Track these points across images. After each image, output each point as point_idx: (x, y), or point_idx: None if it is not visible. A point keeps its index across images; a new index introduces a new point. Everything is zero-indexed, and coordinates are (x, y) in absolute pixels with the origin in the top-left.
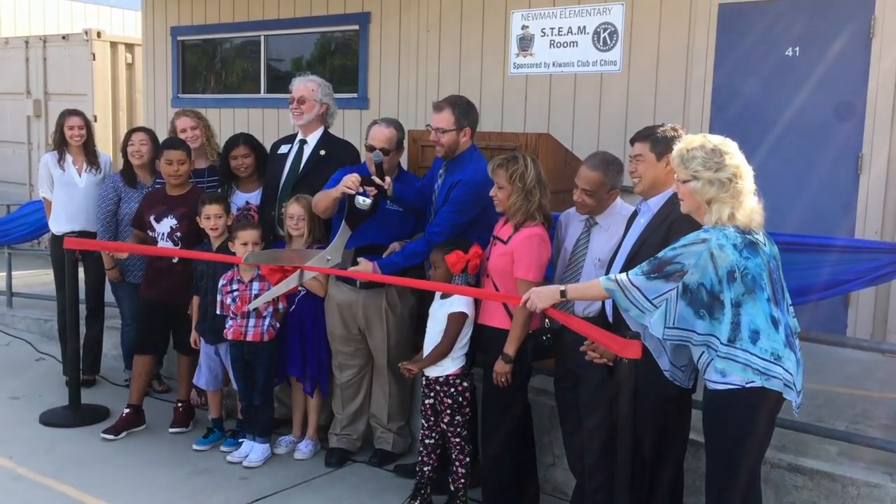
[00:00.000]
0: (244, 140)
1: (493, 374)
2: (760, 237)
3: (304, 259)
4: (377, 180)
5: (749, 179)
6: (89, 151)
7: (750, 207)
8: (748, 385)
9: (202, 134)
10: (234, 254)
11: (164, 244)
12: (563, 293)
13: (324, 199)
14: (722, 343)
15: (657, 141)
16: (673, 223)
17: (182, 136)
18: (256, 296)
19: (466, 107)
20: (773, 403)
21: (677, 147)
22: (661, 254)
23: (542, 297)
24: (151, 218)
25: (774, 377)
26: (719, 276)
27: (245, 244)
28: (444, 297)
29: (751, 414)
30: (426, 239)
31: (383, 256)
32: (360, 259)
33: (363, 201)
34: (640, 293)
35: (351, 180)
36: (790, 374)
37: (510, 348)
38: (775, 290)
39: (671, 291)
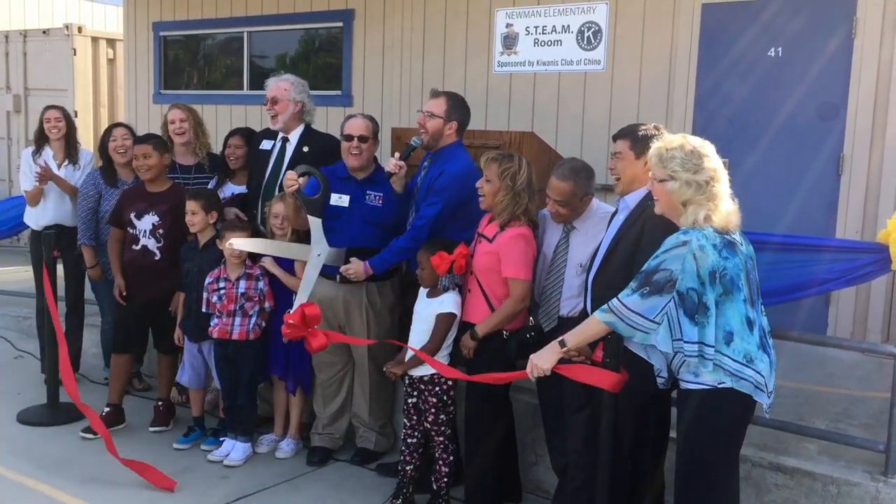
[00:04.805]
0: (241, 132)
1: (459, 344)
2: (737, 237)
3: (290, 250)
4: (395, 161)
5: (725, 183)
6: (70, 145)
7: (726, 210)
8: (720, 385)
9: (190, 128)
10: (221, 252)
11: (146, 241)
12: (562, 342)
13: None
14: (707, 346)
15: (637, 139)
16: (647, 219)
17: (171, 127)
18: (243, 294)
19: (461, 104)
20: (743, 405)
21: (656, 145)
22: (645, 266)
23: (544, 358)
24: (132, 215)
25: (744, 379)
26: (702, 277)
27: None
28: (430, 295)
29: (719, 414)
30: (411, 234)
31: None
32: (351, 259)
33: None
34: (639, 316)
35: (289, 177)
36: (762, 376)
37: (482, 329)
38: (752, 290)
39: (669, 304)
